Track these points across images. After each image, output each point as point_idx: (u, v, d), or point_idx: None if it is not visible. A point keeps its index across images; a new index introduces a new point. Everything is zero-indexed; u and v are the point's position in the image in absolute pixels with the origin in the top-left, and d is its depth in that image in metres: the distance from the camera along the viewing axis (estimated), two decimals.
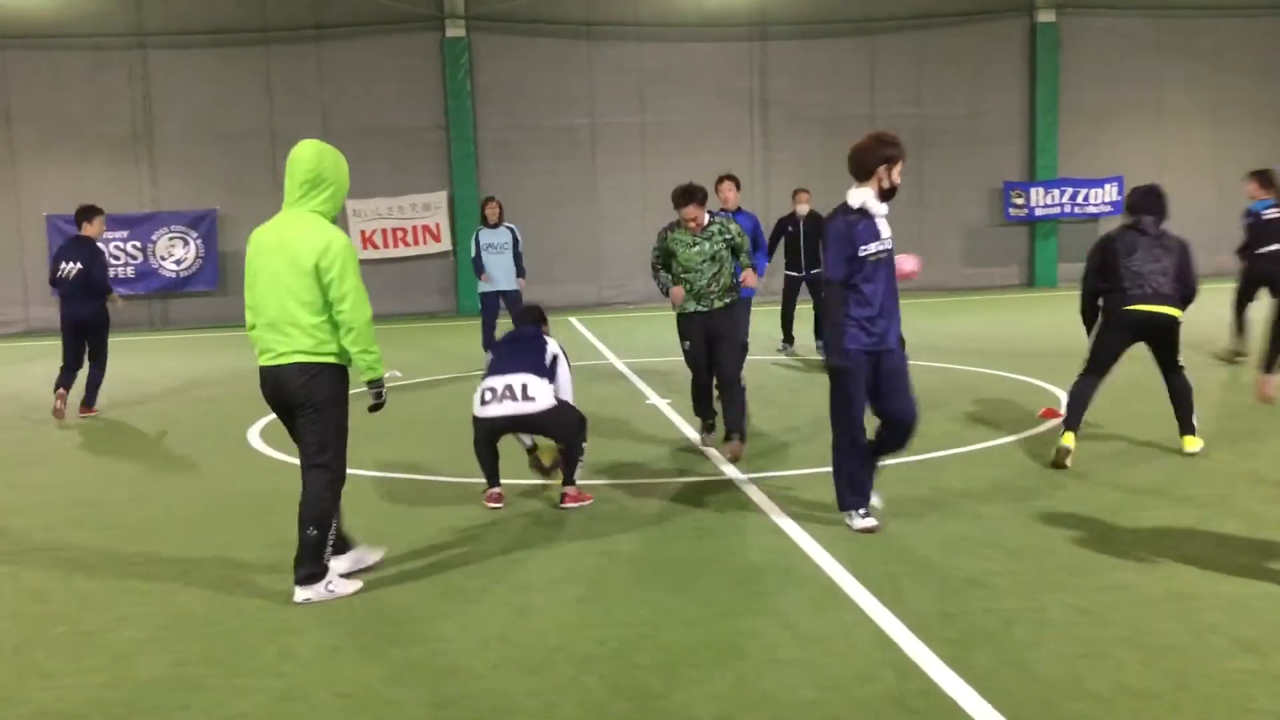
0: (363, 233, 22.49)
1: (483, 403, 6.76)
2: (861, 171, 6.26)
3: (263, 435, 9.77)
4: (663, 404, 10.58)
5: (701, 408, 8.62)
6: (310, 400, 5.46)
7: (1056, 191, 24.13)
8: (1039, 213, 24.22)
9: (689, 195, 8.04)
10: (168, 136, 22.26)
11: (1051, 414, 9.26)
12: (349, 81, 22.48)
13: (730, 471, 7.66)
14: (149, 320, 22.40)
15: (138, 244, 21.85)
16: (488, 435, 6.85)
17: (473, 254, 13.53)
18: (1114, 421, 8.95)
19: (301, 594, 5.33)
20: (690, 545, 5.99)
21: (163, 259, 22.01)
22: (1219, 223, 23.79)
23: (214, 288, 22.33)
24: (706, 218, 8.16)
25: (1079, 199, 24.20)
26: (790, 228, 14.48)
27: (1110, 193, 24.12)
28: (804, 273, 14.34)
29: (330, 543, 5.42)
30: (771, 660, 4.41)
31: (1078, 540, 5.82)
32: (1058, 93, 24.13)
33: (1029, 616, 4.76)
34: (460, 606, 5.17)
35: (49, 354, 17.96)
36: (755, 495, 6.98)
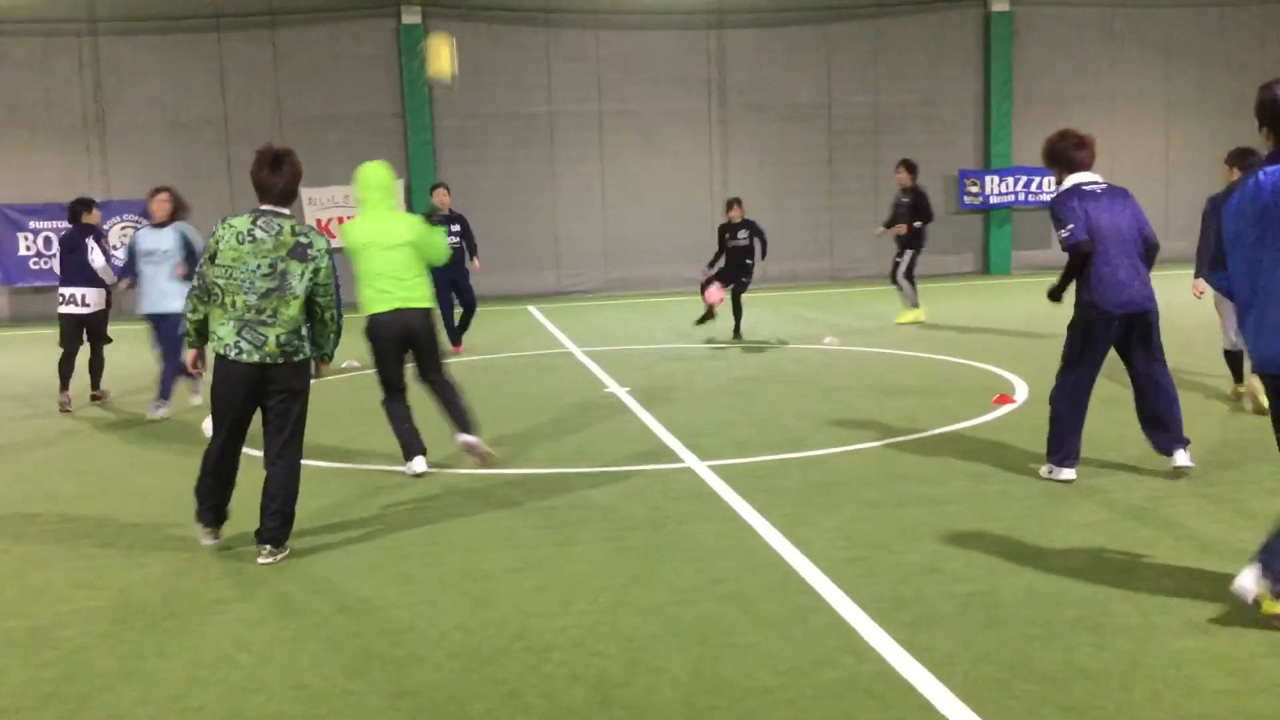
0: (318, 220, 22.32)
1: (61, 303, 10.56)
2: None
3: None
4: (622, 392, 10.59)
5: None
6: (433, 334, 7.53)
7: (1011, 180, 24.39)
8: (993, 200, 24.46)
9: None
10: (119, 124, 21.96)
11: (1005, 400, 9.36)
12: (304, 68, 22.27)
13: (690, 459, 7.69)
14: None
15: None
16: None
17: None
18: None
19: (464, 438, 7.40)
20: (650, 533, 6.01)
21: (115, 248, 21.67)
22: (1169, 209, 24.19)
23: None
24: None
25: (1033, 187, 24.47)
26: None
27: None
28: None
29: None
30: (731, 645, 4.44)
31: (1030, 524, 5.90)
32: (1012, 82, 24.36)
33: (983, 599, 4.82)
34: (419, 596, 5.16)
35: None
36: (714, 482, 7.01)
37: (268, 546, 5.72)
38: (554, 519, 6.36)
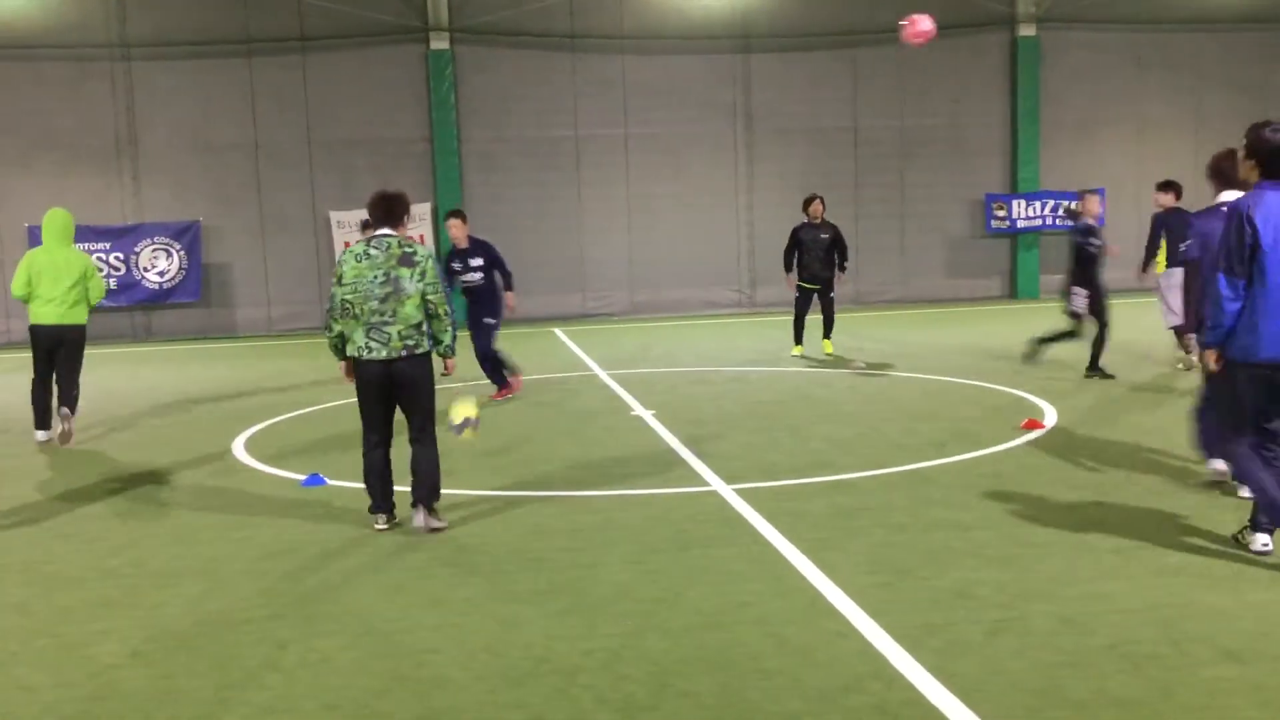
0: (346, 243, 22.44)
1: None
2: None
3: (247, 447, 9.74)
4: (647, 415, 10.59)
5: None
6: (79, 345, 10.31)
7: (1038, 204, 24.29)
8: (1021, 225, 24.37)
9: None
10: (151, 147, 22.21)
11: (1033, 425, 9.31)
12: (333, 93, 22.48)
13: (716, 483, 7.68)
14: (131, 332, 22.31)
15: (120, 256, 21.76)
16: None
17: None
18: (1100, 430, 9.01)
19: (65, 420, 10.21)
20: (676, 556, 6.00)
21: (145, 270, 21.94)
22: None
23: (197, 299, 22.27)
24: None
25: (1060, 211, 24.36)
26: None
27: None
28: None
29: None
30: (758, 671, 4.42)
31: (1060, 550, 5.86)
32: (1039, 106, 24.31)
33: (1013, 626, 4.79)
34: (446, 618, 5.17)
35: (27, 366, 17.83)
36: (740, 506, 7.00)
37: (421, 509, 6.68)
38: (580, 541, 6.36)
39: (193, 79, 22.14)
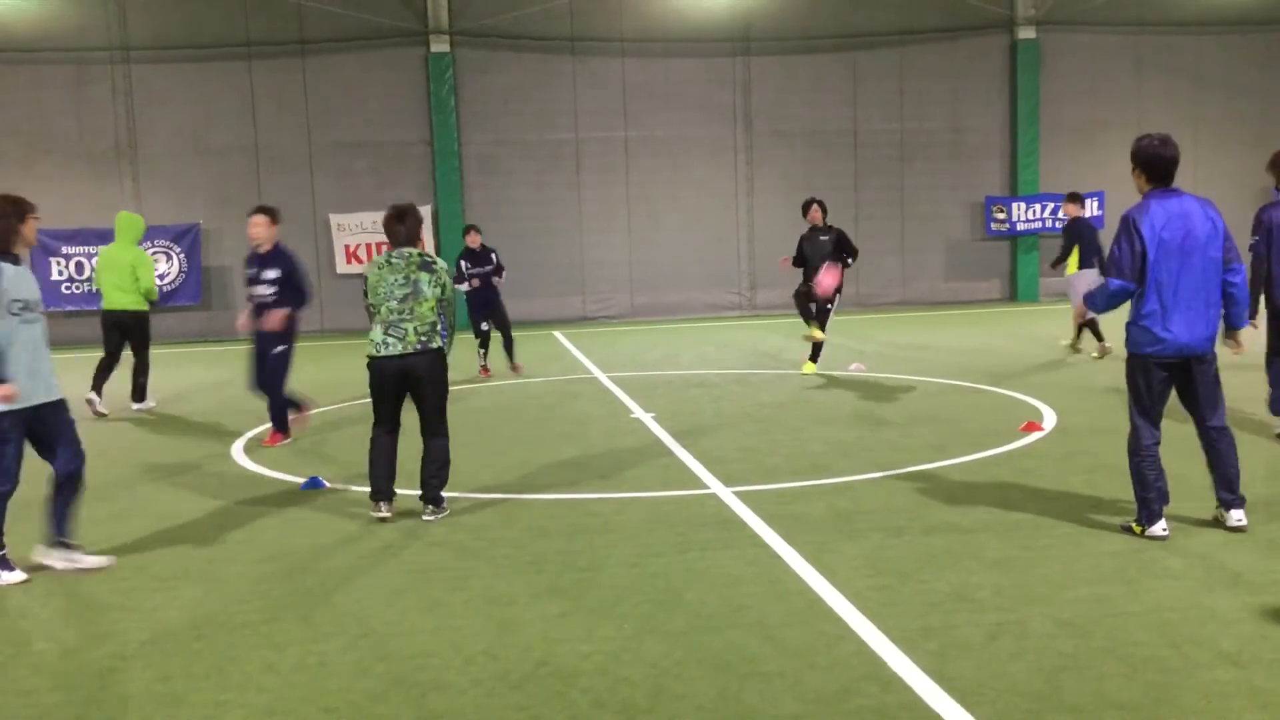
0: (347, 247, 22.48)
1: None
2: None
3: (246, 450, 9.74)
4: (647, 417, 10.59)
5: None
6: (143, 324, 12.27)
7: (1038, 206, 24.31)
8: (1020, 227, 24.38)
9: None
10: (151, 150, 22.24)
11: (1033, 427, 9.31)
12: (333, 96, 22.50)
13: (715, 485, 7.68)
14: None
15: None
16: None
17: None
18: (1098, 432, 9.02)
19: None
20: (674, 559, 6.00)
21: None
22: None
23: (197, 302, 22.29)
24: None
25: (1060, 213, 24.34)
26: None
27: (1091, 207, 24.29)
28: None
29: None
30: (756, 674, 4.42)
31: (1058, 553, 5.86)
32: (1039, 108, 24.33)
33: (1011, 629, 4.79)
34: (445, 621, 5.17)
35: None
36: (739, 509, 7.00)
37: (430, 506, 7.05)
38: (579, 544, 6.36)
39: (193, 82, 22.17)
